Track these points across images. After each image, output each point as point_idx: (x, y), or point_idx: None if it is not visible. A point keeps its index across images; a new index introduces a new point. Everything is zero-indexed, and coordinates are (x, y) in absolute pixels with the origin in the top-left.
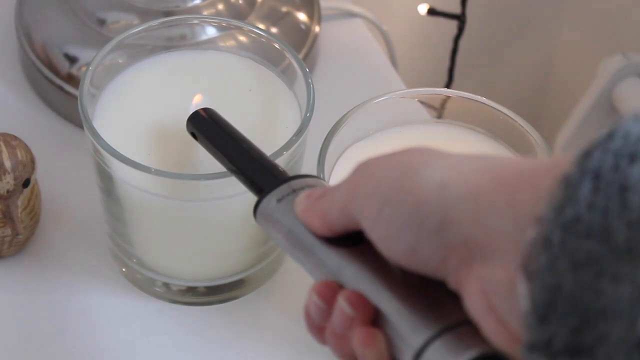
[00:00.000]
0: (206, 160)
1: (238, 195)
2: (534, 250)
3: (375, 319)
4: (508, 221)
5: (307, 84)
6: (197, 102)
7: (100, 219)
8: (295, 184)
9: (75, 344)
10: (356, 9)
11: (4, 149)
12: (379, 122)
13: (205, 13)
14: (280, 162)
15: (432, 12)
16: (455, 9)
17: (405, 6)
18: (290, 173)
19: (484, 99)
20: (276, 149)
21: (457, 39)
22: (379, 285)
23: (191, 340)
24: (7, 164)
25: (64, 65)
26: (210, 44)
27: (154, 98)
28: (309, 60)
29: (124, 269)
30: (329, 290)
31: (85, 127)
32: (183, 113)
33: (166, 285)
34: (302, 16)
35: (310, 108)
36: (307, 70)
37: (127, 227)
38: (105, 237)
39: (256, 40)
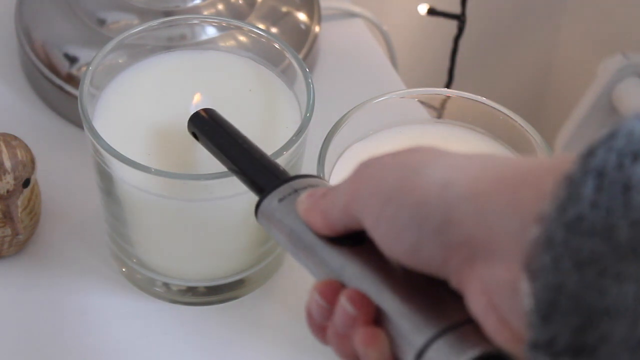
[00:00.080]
0: (206, 160)
1: (238, 195)
2: (536, 250)
3: (377, 318)
4: (510, 220)
5: (307, 84)
6: (197, 101)
7: (100, 219)
8: (296, 183)
9: (75, 344)
10: (356, 9)
11: (4, 149)
12: (379, 122)
13: (205, 13)
14: (280, 162)
15: (432, 12)
16: (455, 9)
17: (405, 6)
18: (291, 173)
19: (484, 99)
20: (276, 149)
21: (457, 39)
22: (381, 285)
23: (191, 340)
24: (7, 164)
25: (64, 65)
26: (210, 44)
27: (154, 98)
28: (309, 60)
29: (124, 269)
30: (331, 290)
31: (85, 127)
32: (183, 113)
33: (166, 285)
34: (302, 16)
35: (310, 108)
36: (307, 70)
37: (127, 227)
38: (105, 237)
39: (256, 40)
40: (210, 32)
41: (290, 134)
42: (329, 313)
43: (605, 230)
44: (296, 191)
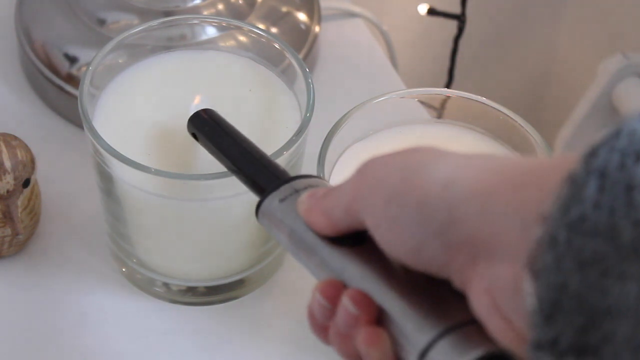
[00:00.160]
0: (206, 160)
1: (238, 195)
2: (539, 249)
3: (379, 318)
4: (514, 220)
5: (307, 84)
6: (194, 100)
7: (100, 219)
8: (297, 184)
9: (75, 344)
10: (356, 9)
11: (4, 149)
12: (379, 122)
13: (205, 13)
14: (280, 162)
15: (432, 12)
16: (455, 9)
17: (405, 6)
18: (291, 173)
19: (484, 99)
20: (276, 149)
21: (457, 39)
22: (383, 285)
23: (191, 340)
24: (7, 164)
25: (64, 65)
26: (210, 44)
27: (154, 98)
28: (309, 60)
29: (124, 269)
30: (333, 290)
31: (85, 127)
32: (183, 113)
33: (166, 285)
34: (302, 16)
35: (310, 108)
36: (307, 70)
37: (127, 227)
38: (105, 237)
39: (256, 40)
40: (210, 32)
41: (290, 134)
42: (331, 313)
43: (608, 230)
44: (297, 191)
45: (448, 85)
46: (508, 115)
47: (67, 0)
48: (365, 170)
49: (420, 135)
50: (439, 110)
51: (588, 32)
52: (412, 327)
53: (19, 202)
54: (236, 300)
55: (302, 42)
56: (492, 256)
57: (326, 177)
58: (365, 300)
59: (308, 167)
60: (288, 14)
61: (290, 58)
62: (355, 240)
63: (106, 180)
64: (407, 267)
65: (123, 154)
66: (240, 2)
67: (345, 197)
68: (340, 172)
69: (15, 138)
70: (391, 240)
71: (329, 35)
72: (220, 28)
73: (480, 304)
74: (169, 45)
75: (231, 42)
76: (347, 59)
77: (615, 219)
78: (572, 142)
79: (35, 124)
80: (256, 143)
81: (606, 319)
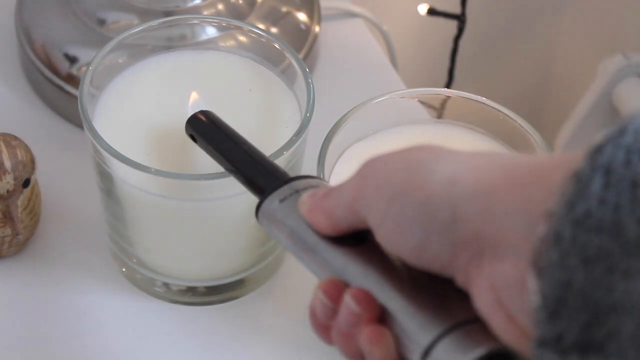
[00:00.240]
0: (206, 160)
1: (238, 195)
2: (544, 246)
3: (382, 317)
4: (518, 217)
5: (307, 84)
6: (194, 100)
7: (100, 219)
8: (297, 184)
9: (75, 344)
10: (356, 9)
11: (4, 149)
12: (379, 122)
13: (205, 13)
14: (280, 162)
15: (432, 12)
16: (455, 9)
17: (405, 6)
18: (291, 173)
19: (484, 99)
20: (276, 149)
21: (457, 39)
22: (385, 283)
23: (191, 340)
24: (7, 164)
25: (64, 65)
26: (210, 44)
27: (154, 98)
28: (309, 60)
29: (124, 269)
30: (335, 288)
31: (85, 127)
32: (183, 113)
33: (166, 285)
34: (302, 16)
35: (310, 108)
36: (307, 70)
37: (127, 227)
38: (105, 237)
39: (256, 40)
40: (210, 32)
41: (290, 134)
42: (333, 312)
43: (613, 226)
44: (297, 192)
45: (448, 85)
46: (508, 115)
47: (67, 0)
48: (367, 169)
49: (420, 135)
50: (439, 110)
51: (588, 32)
52: (415, 325)
53: (19, 202)
54: (236, 300)
55: (302, 42)
56: (496, 254)
57: (326, 177)
58: (367, 299)
59: (308, 167)
60: (288, 14)
61: (290, 58)
62: (356, 240)
63: (106, 180)
64: (409, 266)
65: (123, 154)
66: (240, 2)
67: (347, 197)
68: (340, 172)
69: (15, 138)
70: (394, 239)
71: (329, 35)
72: (220, 28)
73: (484, 302)
74: (169, 45)
75: (231, 42)
76: (347, 59)
77: (620, 216)
78: (572, 142)
79: (35, 124)
80: (256, 143)
81: (611, 315)
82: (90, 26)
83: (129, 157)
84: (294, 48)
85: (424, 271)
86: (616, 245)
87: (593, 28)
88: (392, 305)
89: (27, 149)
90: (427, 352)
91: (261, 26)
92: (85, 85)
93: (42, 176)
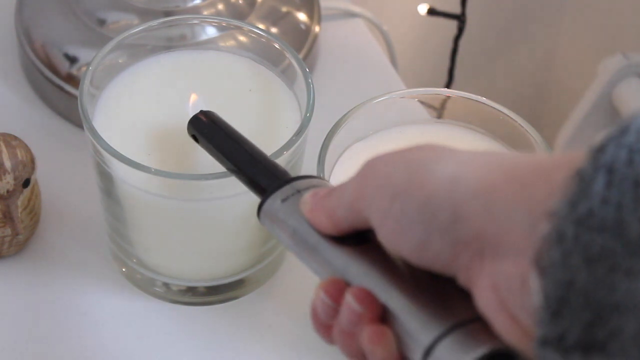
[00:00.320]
0: (206, 161)
1: (238, 195)
2: (547, 245)
3: (383, 316)
4: (521, 216)
5: (307, 84)
6: (194, 100)
7: (100, 219)
8: (299, 184)
9: (75, 344)
10: (356, 9)
11: (4, 149)
12: (379, 122)
13: (205, 13)
14: (280, 162)
15: (432, 12)
16: (455, 9)
17: (405, 6)
18: (291, 173)
19: (484, 99)
20: (276, 149)
21: (457, 39)
22: (387, 283)
23: (191, 340)
24: (7, 164)
25: (64, 65)
26: (210, 44)
27: (154, 98)
28: (309, 60)
29: (124, 269)
30: (337, 288)
31: (85, 127)
32: (183, 113)
33: (166, 285)
34: (302, 16)
35: (310, 108)
36: (307, 70)
37: (127, 227)
38: (105, 237)
39: (256, 40)
40: (210, 32)
41: (290, 134)
42: (334, 312)
43: (615, 226)
44: (299, 192)
45: (448, 85)
46: (508, 115)
47: (67, 0)
48: (369, 168)
49: (420, 135)
50: (439, 110)
51: (588, 32)
52: (417, 324)
53: (19, 202)
54: (236, 300)
55: (302, 42)
56: (498, 253)
57: (326, 177)
58: (369, 298)
59: (308, 167)
60: (288, 14)
61: (290, 58)
62: (358, 240)
63: (106, 180)
64: (411, 266)
65: (123, 154)
66: (240, 2)
67: (349, 196)
68: (340, 172)
69: (15, 138)
70: (395, 239)
71: (329, 35)
72: (220, 28)
73: (485, 301)
74: (169, 45)
75: (231, 42)
76: (347, 59)
77: (622, 215)
78: (572, 142)
79: (35, 124)
80: (256, 143)
81: (613, 315)
82: (90, 26)
83: (129, 157)
84: (294, 48)
85: (426, 270)
86: (619, 244)
87: (593, 28)
88: (393, 305)
89: (27, 149)
90: (428, 351)
91: (261, 26)
92: (85, 85)
93: (42, 176)
